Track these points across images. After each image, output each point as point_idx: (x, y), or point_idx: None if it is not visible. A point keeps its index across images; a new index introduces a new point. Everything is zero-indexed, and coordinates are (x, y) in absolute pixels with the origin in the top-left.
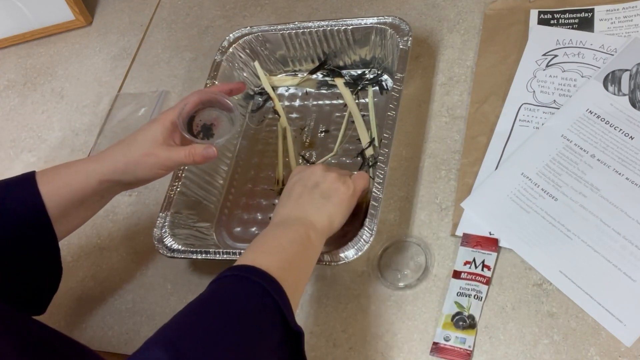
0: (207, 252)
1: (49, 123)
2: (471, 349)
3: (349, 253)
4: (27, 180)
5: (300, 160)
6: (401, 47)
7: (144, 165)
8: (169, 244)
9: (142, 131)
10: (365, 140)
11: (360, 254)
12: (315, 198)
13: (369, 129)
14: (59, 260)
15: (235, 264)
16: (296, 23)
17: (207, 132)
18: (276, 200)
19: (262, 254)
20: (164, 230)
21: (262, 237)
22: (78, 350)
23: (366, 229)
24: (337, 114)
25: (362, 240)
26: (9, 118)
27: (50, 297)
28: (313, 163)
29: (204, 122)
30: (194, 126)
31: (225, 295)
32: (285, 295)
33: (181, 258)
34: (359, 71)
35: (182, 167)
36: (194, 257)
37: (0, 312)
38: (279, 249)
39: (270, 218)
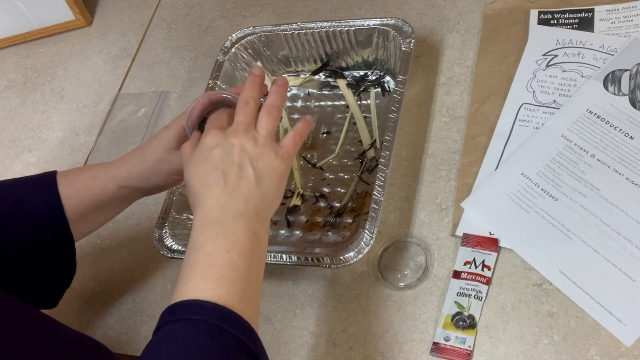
0: None
1: (49, 123)
2: (471, 349)
3: (349, 256)
4: (48, 181)
5: (302, 162)
6: (403, 49)
7: (158, 172)
8: (169, 245)
9: (156, 137)
10: (366, 141)
11: (360, 256)
12: (252, 181)
13: (370, 130)
14: (74, 259)
15: (188, 291)
16: (299, 24)
17: None
18: None
19: (218, 281)
20: (164, 231)
21: (207, 248)
22: (94, 347)
23: (366, 231)
24: (339, 116)
25: (362, 243)
26: (9, 118)
27: (62, 293)
28: (314, 165)
29: None
30: (205, 129)
31: (203, 355)
32: (258, 339)
33: (181, 259)
34: (362, 72)
35: None
36: None
37: (17, 309)
38: (234, 269)
39: (272, 220)
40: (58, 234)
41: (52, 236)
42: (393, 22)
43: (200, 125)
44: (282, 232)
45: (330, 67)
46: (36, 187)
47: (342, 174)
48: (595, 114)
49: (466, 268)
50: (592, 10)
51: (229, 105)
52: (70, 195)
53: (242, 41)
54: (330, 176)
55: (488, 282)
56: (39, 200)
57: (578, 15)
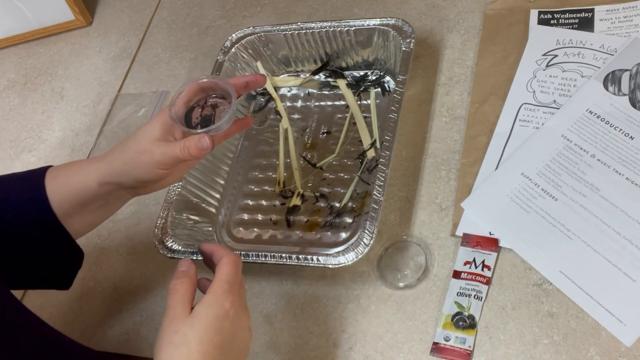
0: None
1: (49, 123)
2: (471, 349)
3: (349, 256)
4: (38, 174)
5: (302, 162)
6: (403, 49)
7: (140, 164)
8: (169, 245)
9: (141, 129)
10: (366, 141)
11: (360, 256)
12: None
13: (370, 130)
14: (74, 245)
15: None
16: (299, 24)
17: (207, 122)
18: (277, 202)
19: None
20: (164, 231)
21: None
22: (77, 349)
23: (366, 232)
24: (339, 115)
25: (362, 243)
26: (9, 118)
27: (73, 275)
28: (314, 165)
29: (205, 112)
30: (193, 117)
31: None
32: None
33: (181, 259)
34: (362, 72)
35: None
36: (194, 257)
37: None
38: None
39: (272, 220)
40: (48, 229)
41: (41, 228)
42: (393, 22)
43: (187, 114)
44: (282, 232)
45: (330, 67)
46: (26, 180)
47: (342, 174)
48: (595, 114)
49: (466, 268)
50: (592, 10)
51: (220, 92)
52: (54, 190)
53: (242, 41)
54: (330, 176)
55: (488, 282)
56: (24, 196)
57: (578, 15)
